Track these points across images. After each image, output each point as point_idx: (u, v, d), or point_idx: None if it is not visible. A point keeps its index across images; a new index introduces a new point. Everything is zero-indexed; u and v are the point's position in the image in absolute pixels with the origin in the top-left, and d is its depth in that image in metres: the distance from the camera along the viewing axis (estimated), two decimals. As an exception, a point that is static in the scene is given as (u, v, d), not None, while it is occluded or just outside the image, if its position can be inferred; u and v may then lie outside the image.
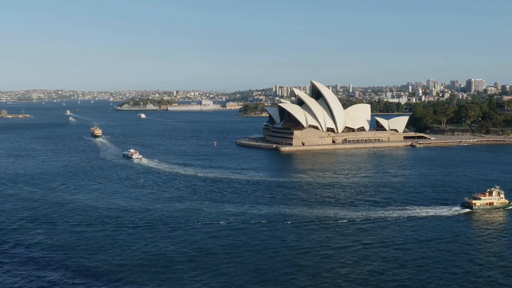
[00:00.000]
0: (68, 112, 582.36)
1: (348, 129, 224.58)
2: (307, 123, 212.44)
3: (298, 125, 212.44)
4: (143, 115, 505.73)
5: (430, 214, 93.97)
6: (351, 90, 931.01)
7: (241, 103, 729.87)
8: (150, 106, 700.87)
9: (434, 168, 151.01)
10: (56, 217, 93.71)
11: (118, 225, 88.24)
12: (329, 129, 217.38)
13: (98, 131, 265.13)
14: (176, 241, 78.57)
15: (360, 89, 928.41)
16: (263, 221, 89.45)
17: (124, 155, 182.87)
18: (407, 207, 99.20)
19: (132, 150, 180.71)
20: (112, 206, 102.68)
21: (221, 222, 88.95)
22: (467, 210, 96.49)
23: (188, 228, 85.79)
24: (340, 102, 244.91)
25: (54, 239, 79.45)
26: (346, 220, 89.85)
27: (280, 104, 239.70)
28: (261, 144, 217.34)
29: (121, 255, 71.81)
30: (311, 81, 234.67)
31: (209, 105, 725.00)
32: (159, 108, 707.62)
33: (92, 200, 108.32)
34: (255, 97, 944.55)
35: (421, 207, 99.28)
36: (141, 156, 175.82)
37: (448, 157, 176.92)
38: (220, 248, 74.90)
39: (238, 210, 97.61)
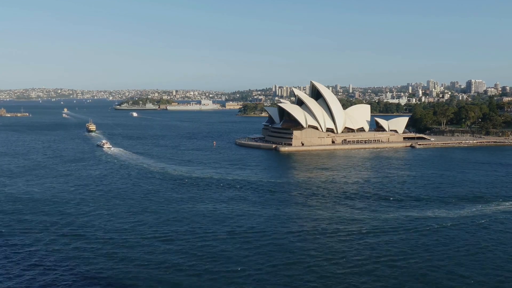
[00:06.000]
0: (65, 110, 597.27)
1: (348, 130, 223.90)
2: (306, 123, 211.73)
3: (297, 125, 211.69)
4: (135, 114, 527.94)
5: None
6: (351, 91, 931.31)
7: (241, 103, 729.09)
8: (149, 106, 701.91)
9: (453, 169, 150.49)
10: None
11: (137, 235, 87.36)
12: (329, 130, 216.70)
13: (92, 127, 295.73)
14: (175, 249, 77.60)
15: (360, 90, 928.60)
16: (264, 223, 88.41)
17: (97, 145, 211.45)
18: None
19: (103, 141, 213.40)
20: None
21: (218, 226, 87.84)
22: None
23: (183, 236, 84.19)
24: (340, 102, 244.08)
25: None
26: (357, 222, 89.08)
27: (279, 104, 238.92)
28: (261, 144, 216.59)
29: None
30: (311, 81, 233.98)
31: (208, 105, 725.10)
32: (159, 107, 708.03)
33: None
34: (255, 97, 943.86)
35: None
36: (111, 146, 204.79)
37: (455, 158, 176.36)
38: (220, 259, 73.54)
39: (235, 211, 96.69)
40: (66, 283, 60.97)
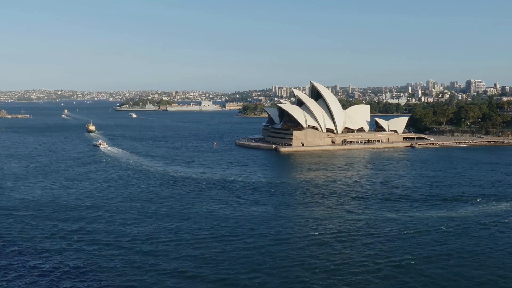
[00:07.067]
0: (65, 111, 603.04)
1: (348, 130, 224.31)
2: (306, 123, 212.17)
3: (297, 125, 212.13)
4: (134, 115, 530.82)
5: None
6: (350, 91, 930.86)
7: (241, 104, 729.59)
8: (149, 107, 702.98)
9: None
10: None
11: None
12: (329, 130, 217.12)
13: (92, 127, 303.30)
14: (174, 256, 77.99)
15: (359, 90, 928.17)
16: (264, 224, 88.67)
17: (94, 145, 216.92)
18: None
19: (100, 141, 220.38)
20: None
21: (218, 227, 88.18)
22: None
23: (177, 238, 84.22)
24: (340, 102, 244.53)
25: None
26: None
27: (279, 105, 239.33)
28: (261, 144, 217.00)
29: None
30: (310, 82, 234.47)
31: (208, 106, 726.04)
32: (159, 108, 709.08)
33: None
34: (255, 97, 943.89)
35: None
36: (107, 146, 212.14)
37: (454, 158, 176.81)
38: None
39: (235, 212, 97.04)
40: None
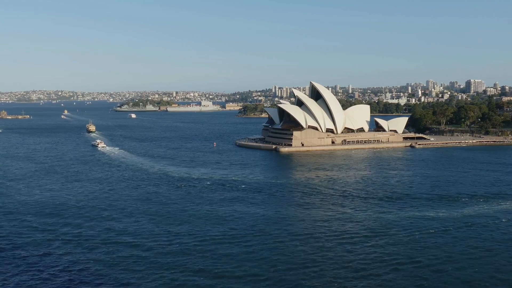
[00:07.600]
0: (65, 112, 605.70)
1: (348, 130, 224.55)
2: (306, 124, 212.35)
3: (297, 126, 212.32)
4: (133, 115, 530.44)
5: None
6: (350, 91, 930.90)
7: (241, 104, 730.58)
8: (149, 107, 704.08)
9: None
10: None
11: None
12: (329, 130, 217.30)
13: (92, 127, 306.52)
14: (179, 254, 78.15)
15: (359, 90, 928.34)
16: (264, 224, 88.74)
17: (92, 145, 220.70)
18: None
19: (98, 141, 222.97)
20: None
21: (218, 228, 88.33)
22: None
23: (177, 239, 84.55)
24: (340, 103, 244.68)
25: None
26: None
27: (279, 105, 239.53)
28: (261, 144, 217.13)
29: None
30: (310, 82, 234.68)
31: (208, 106, 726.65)
32: (159, 109, 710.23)
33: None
34: (255, 97, 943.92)
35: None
36: (105, 145, 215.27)
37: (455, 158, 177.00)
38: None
39: (235, 212, 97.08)
40: None
